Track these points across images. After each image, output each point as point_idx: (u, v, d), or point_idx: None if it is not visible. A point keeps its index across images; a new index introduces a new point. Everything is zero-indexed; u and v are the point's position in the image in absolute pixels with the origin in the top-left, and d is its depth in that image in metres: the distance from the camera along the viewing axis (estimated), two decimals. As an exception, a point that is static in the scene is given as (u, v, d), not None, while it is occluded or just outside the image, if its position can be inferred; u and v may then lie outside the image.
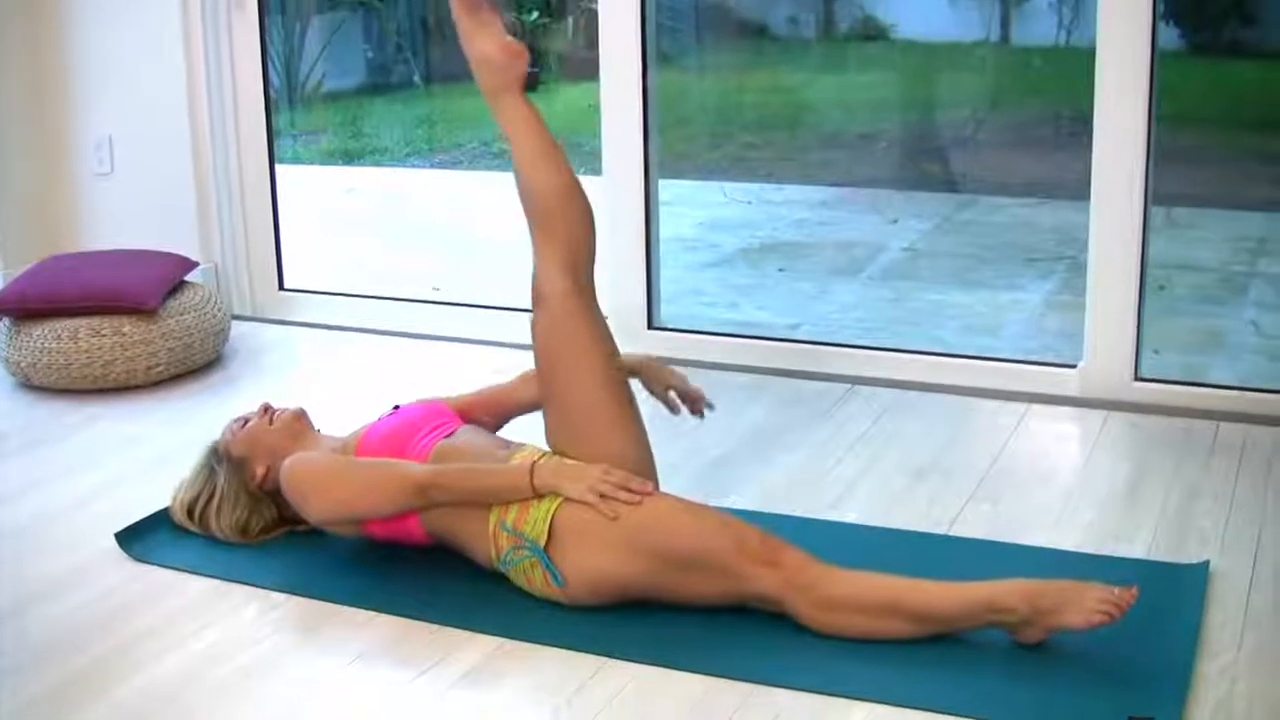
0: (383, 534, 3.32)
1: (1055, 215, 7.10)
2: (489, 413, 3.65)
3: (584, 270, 3.34)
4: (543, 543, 3.07)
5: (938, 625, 2.90)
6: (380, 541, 3.36)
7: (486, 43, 3.39)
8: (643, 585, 3.05)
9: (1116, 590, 2.82)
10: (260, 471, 3.44)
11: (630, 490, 3.06)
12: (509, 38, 3.41)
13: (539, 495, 3.10)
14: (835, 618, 2.93)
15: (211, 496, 3.48)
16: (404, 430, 3.38)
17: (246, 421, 3.53)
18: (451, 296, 5.43)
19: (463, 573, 3.24)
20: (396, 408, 3.53)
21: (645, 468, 3.25)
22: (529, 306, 3.31)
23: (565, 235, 3.31)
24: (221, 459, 3.49)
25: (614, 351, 3.33)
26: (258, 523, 3.47)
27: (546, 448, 3.29)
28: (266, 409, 3.55)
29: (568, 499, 3.07)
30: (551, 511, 3.07)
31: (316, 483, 3.27)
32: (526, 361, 3.42)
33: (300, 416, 3.55)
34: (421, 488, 3.16)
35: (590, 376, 3.27)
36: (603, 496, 3.05)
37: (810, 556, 2.96)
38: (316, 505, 3.27)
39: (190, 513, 3.51)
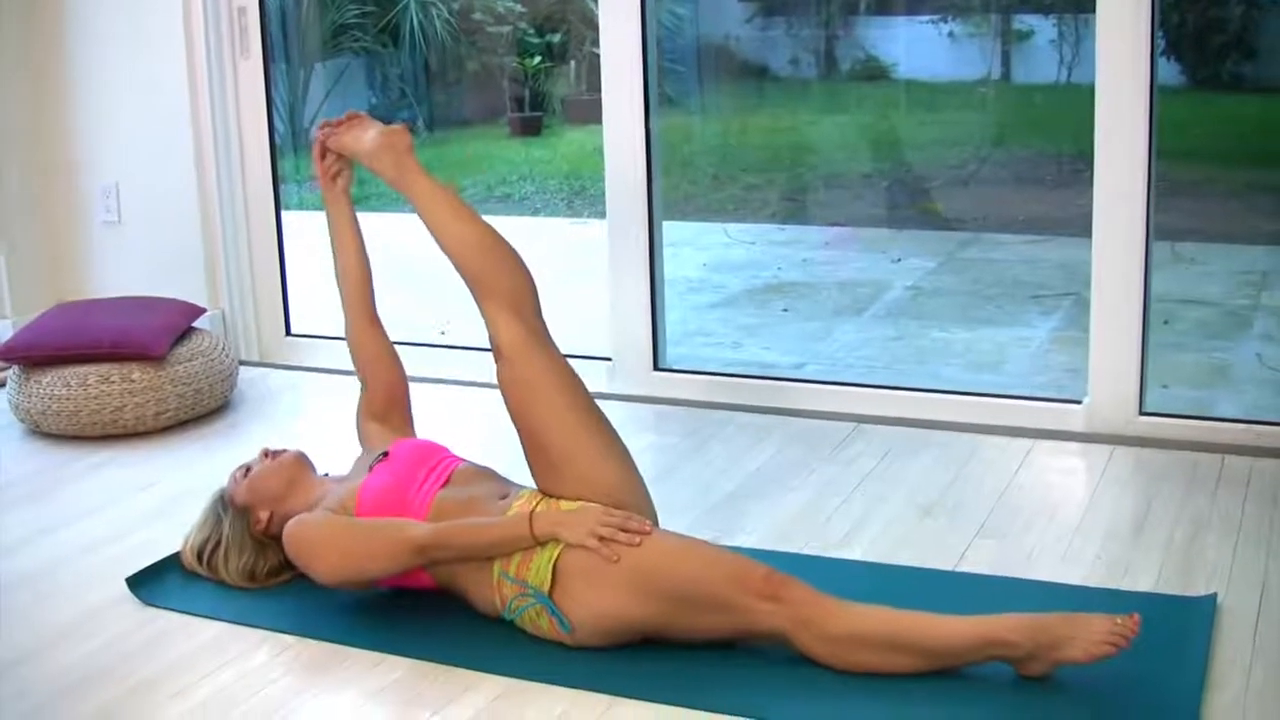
0: (391, 582, 3.33)
1: (1059, 252, 7.11)
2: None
3: (530, 313, 3.40)
4: (547, 589, 3.07)
5: (942, 659, 2.91)
6: (389, 588, 3.37)
7: (365, 142, 3.64)
8: (649, 625, 3.05)
9: (1120, 620, 2.82)
10: (264, 517, 3.45)
11: (629, 530, 3.07)
12: (380, 125, 3.66)
13: (540, 543, 3.11)
14: (840, 652, 2.93)
15: (219, 544, 3.49)
16: (402, 481, 3.36)
17: (249, 469, 3.54)
18: (458, 340, 5.45)
19: (470, 615, 3.24)
20: (385, 454, 3.51)
21: (636, 494, 3.27)
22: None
23: (500, 285, 3.39)
24: (226, 506, 3.51)
25: (579, 384, 3.37)
26: (264, 567, 3.47)
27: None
28: (266, 454, 3.57)
29: (568, 545, 3.08)
30: (554, 558, 3.07)
31: (318, 548, 3.28)
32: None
33: (299, 459, 3.56)
34: (422, 548, 3.17)
35: (562, 413, 3.29)
36: (602, 540, 3.05)
37: (814, 591, 2.97)
38: (322, 570, 3.27)
39: (199, 558, 3.52)
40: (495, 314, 3.36)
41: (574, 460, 3.26)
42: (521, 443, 3.35)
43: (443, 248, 3.46)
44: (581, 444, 3.28)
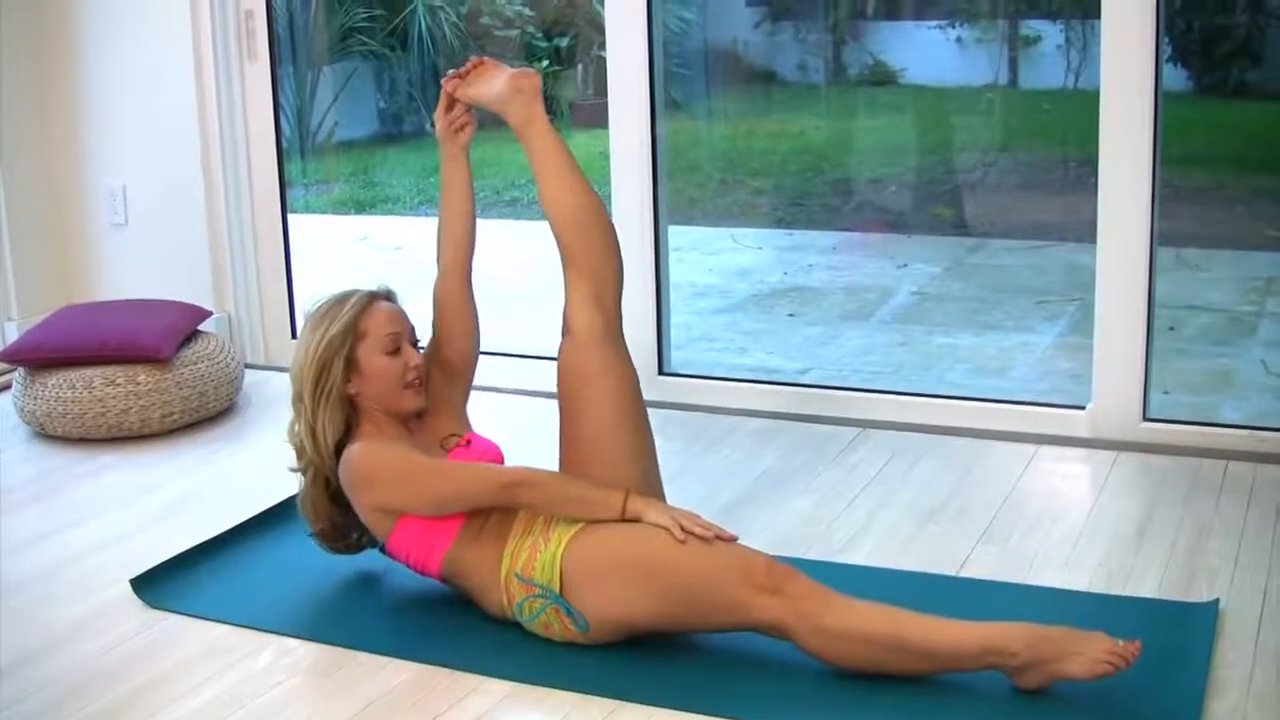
0: (403, 552, 3.28)
1: (1064, 257, 7.11)
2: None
3: (610, 299, 3.40)
4: (558, 588, 3.08)
5: (939, 663, 2.91)
6: (399, 562, 3.33)
7: (495, 88, 3.52)
8: (655, 623, 3.07)
9: (1121, 643, 2.82)
10: (351, 390, 3.35)
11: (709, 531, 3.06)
12: (509, 69, 3.55)
13: (624, 518, 3.10)
14: (836, 646, 2.93)
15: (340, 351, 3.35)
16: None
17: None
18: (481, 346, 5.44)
19: (476, 617, 3.26)
20: (468, 441, 3.48)
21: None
22: (547, 354, 3.36)
23: (588, 262, 3.39)
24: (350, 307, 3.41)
25: (634, 382, 3.38)
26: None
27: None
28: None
29: (649, 521, 3.07)
30: (559, 555, 3.09)
31: (392, 466, 3.24)
32: (549, 409, 3.45)
33: (418, 409, 3.45)
34: (509, 485, 3.17)
35: (606, 404, 3.31)
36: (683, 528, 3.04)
37: (816, 584, 2.97)
38: (394, 490, 3.22)
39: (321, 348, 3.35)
40: (576, 290, 3.37)
41: (604, 453, 3.29)
42: (560, 420, 3.38)
43: (544, 207, 3.45)
44: (617, 441, 3.30)
